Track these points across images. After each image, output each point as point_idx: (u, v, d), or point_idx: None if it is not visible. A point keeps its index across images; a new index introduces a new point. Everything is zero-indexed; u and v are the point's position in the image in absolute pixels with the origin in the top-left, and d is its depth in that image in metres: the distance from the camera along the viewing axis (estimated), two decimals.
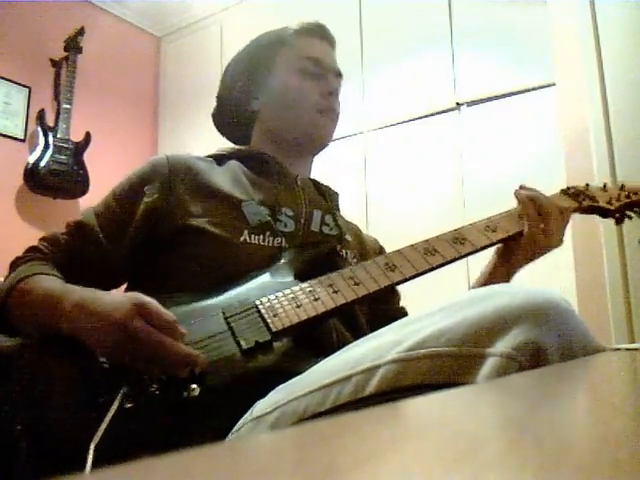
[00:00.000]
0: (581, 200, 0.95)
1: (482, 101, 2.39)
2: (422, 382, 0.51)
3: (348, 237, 0.96)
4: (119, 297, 0.68)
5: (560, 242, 0.88)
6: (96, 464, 0.56)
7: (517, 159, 2.26)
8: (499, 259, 0.90)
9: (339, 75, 1.03)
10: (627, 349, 0.76)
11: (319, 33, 1.03)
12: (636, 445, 0.19)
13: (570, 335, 0.50)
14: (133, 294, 0.67)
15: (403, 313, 1.01)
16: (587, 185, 0.98)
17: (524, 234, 0.86)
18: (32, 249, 0.84)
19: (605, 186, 0.99)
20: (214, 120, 1.07)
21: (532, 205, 0.87)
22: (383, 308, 0.97)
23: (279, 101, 0.98)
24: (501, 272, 0.90)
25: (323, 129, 0.98)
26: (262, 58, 1.01)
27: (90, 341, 0.65)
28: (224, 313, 0.73)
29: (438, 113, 2.49)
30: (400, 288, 0.82)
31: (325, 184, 1.04)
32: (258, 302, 0.74)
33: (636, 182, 1.00)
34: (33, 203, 2.90)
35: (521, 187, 0.91)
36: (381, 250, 1.05)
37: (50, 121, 2.94)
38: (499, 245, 0.89)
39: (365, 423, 0.27)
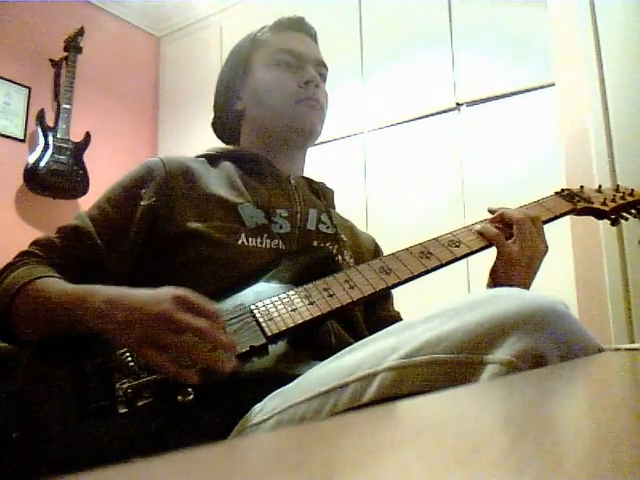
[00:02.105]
0: (576, 202, 0.95)
1: (482, 101, 2.39)
2: (420, 389, 0.50)
3: (343, 237, 0.96)
4: (153, 292, 0.66)
5: (545, 248, 0.87)
6: (89, 468, 0.55)
7: (517, 159, 2.26)
8: (491, 278, 0.88)
9: (321, 65, 1.01)
10: (627, 349, 0.76)
11: (294, 26, 1.02)
12: (636, 445, 0.19)
13: (569, 340, 0.49)
14: (169, 288, 0.66)
15: (397, 318, 1.00)
16: (582, 187, 0.99)
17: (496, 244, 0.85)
18: (26, 253, 0.82)
19: (600, 187, 0.99)
20: (213, 128, 1.08)
21: (499, 217, 0.88)
22: (376, 313, 0.96)
23: (259, 97, 0.98)
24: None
25: (304, 119, 0.96)
26: (241, 60, 1.02)
27: (123, 337, 0.63)
28: None
29: (438, 113, 2.49)
30: (399, 289, 0.82)
31: (320, 181, 1.03)
32: (253, 306, 0.74)
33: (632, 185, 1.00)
34: (33, 203, 2.90)
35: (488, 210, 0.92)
36: (376, 248, 1.05)
37: (50, 121, 2.94)
38: (493, 267, 0.87)
39: (365, 423, 0.27)
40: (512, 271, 0.84)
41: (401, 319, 1.00)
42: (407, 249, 0.82)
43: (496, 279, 0.87)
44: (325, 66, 1.02)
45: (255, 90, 0.99)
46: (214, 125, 1.08)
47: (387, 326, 0.61)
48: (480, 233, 0.86)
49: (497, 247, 0.85)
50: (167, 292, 0.65)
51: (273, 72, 0.97)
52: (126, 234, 0.83)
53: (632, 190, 0.98)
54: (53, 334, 0.70)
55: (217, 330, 0.62)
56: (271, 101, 0.96)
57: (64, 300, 0.70)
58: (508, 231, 0.86)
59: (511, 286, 0.84)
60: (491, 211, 0.91)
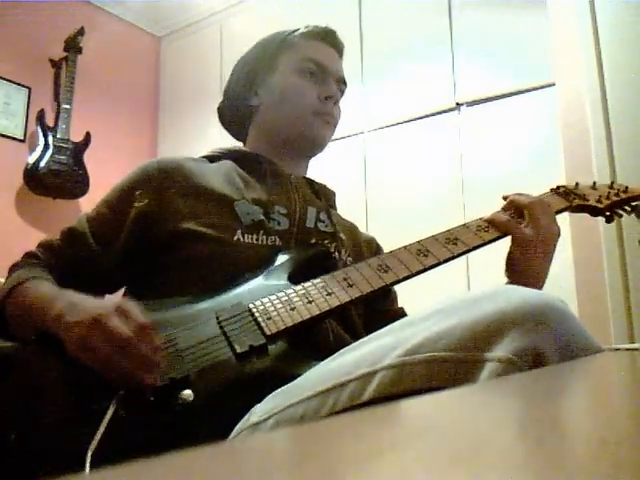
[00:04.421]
0: (571, 199, 0.95)
1: (482, 101, 2.39)
2: (419, 387, 0.50)
3: (342, 236, 0.96)
4: (102, 299, 0.69)
5: (558, 231, 0.87)
6: (90, 470, 0.56)
7: (517, 159, 2.26)
8: (509, 266, 0.87)
9: (343, 82, 1.04)
10: (627, 349, 0.76)
11: (326, 38, 1.03)
12: (636, 445, 0.19)
13: (569, 338, 0.49)
14: (122, 300, 0.69)
15: (401, 314, 0.99)
16: (577, 184, 0.99)
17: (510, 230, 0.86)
18: (29, 255, 0.86)
19: (595, 184, 0.99)
20: (219, 113, 1.08)
21: (510, 204, 0.89)
22: (380, 309, 0.96)
23: (277, 98, 0.99)
24: (518, 277, 0.86)
25: (317, 131, 0.98)
26: (267, 56, 1.02)
27: (68, 340, 0.65)
28: (217, 317, 0.72)
29: (438, 113, 2.49)
30: (399, 288, 0.82)
31: (321, 183, 1.04)
32: (252, 305, 0.73)
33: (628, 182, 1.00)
34: (33, 203, 2.90)
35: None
36: (378, 250, 1.05)
37: (50, 121, 2.94)
38: (509, 253, 0.87)
39: (365, 423, 0.27)
40: (529, 255, 0.84)
41: (405, 315, 1.00)
42: (405, 247, 0.82)
43: (514, 266, 0.86)
44: (345, 83, 1.05)
45: (275, 91, 0.99)
46: (221, 110, 1.08)
47: (390, 321, 0.61)
48: (491, 222, 0.87)
49: (511, 233, 0.85)
50: (112, 301, 0.67)
51: (297, 78, 0.98)
52: (117, 234, 0.85)
53: (626, 187, 0.98)
54: (34, 335, 0.71)
55: (140, 344, 0.62)
56: (289, 106, 0.97)
57: (34, 303, 0.73)
58: (519, 219, 0.87)
59: (530, 271, 0.85)
60: (505, 197, 0.92)
